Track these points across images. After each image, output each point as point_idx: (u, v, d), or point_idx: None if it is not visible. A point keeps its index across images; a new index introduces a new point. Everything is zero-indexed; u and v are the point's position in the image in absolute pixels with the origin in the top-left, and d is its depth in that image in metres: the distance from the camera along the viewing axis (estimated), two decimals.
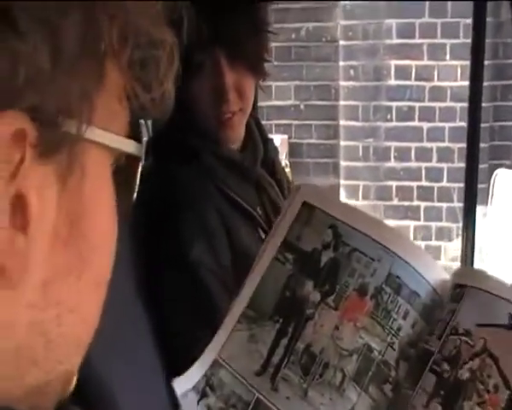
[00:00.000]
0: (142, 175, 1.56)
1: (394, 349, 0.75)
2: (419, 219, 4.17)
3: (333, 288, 0.78)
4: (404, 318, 0.76)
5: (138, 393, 0.79)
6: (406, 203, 4.18)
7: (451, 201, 4.12)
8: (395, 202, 4.17)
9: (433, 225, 4.18)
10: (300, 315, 0.78)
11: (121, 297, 1.31)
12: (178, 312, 1.17)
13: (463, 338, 0.72)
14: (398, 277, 0.77)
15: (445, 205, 4.16)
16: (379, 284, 0.77)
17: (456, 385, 0.70)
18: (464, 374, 0.70)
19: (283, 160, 4.07)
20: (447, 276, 0.79)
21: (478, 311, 0.72)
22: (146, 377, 0.84)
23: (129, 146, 0.45)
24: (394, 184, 4.24)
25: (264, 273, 0.82)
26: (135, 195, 0.48)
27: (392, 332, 0.75)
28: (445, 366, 0.71)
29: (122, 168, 0.47)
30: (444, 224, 4.16)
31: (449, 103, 4.11)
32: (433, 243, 4.11)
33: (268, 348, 0.78)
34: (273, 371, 0.76)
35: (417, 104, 4.17)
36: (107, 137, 0.42)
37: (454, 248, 3.76)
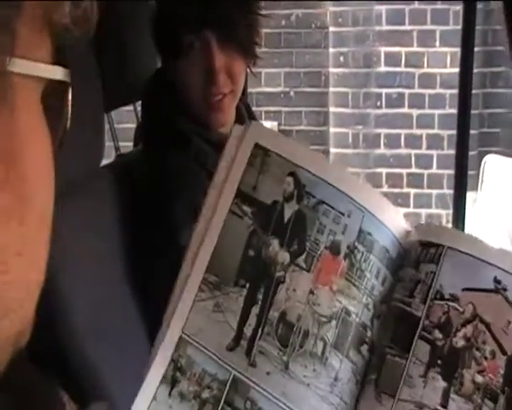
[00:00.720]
0: (132, 162, 1.55)
1: (369, 310, 0.72)
2: (409, 206, 4.18)
3: (302, 247, 0.72)
4: (377, 276, 0.73)
5: (127, 379, 0.76)
6: (396, 190, 4.18)
7: (441, 187, 4.12)
8: (385, 188, 4.17)
9: (423, 211, 4.19)
10: (269, 279, 0.72)
11: (110, 283, 1.32)
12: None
13: (451, 304, 0.70)
14: (369, 233, 0.72)
15: (434, 192, 4.17)
16: (351, 241, 0.72)
17: (453, 354, 0.69)
18: (459, 342, 0.69)
19: None
20: (408, 225, 0.76)
21: (461, 275, 0.71)
22: (135, 364, 0.81)
23: (56, 73, 0.42)
24: (384, 170, 4.23)
25: (221, 230, 0.73)
26: (68, 124, 0.45)
27: (367, 292, 0.72)
28: (438, 334, 0.70)
29: (52, 98, 0.44)
30: (434, 210, 4.16)
31: (438, 90, 4.11)
32: None
33: (237, 318, 0.72)
34: (247, 345, 0.71)
35: (407, 91, 4.17)
36: (32, 66, 0.40)
37: None
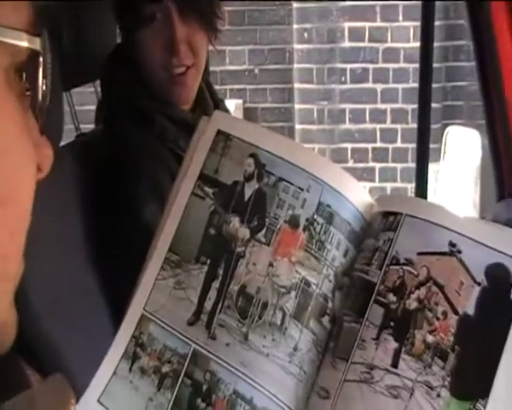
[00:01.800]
0: (93, 141, 1.53)
1: (330, 281, 0.73)
2: (374, 181, 4.20)
3: (262, 222, 0.74)
4: (337, 247, 0.74)
5: (91, 361, 0.76)
6: (361, 165, 4.20)
7: (406, 161, 4.15)
8: (350, 163, 4.19)
9: (389, 185, 4.21)
10: (230, 254, 0.73)
11: (72, 266, 1.31)
12: (132, 276, 1.16)
13: (406, 268, 0.71)
14: (328, 205, 0.74)
15: (399, 166, 4.19)
16: (310, 214, 0.73)
17: (405, 315, 0.70)
18: (412, 304, 0.70)
19: None
20: (371, 199, 0.77)
21: (417, 240, 0.72)
22: (99, 346, 0.81)
23: (22, 38, 0.42)
24: (349, 146, 4.25)
25: (183, 212, 0.76)
26: (40, 94, 0.44)
27: (328, 264, 0.73)
28: (392, 297, 0.71)
29: (23, 67, 0.43)
30: (399, 184, 4.19)
31: (402, 64, 4.12)
32: None
33: (198, 293, 0.73)
34: (207, 319, 0.72)
35: (371, 66, 4.18)
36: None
37: None
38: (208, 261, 0.75)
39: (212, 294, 0.73)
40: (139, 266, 0.98)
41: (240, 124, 0.81)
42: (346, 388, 0.70)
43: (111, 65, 1.49)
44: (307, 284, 0.73)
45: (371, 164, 4.24)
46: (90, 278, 1.33)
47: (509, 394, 0.64)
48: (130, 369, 0.73)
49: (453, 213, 0.73)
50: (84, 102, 2.00)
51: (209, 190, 0.77)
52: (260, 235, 0.74)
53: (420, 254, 0.71)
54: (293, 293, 0.72)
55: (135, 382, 0.72)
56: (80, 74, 1.51)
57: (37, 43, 0.43)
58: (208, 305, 0.73)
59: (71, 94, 1.63)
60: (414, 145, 2.12)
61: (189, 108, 1.51)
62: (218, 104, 1.58)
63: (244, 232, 0.75)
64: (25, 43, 0.43)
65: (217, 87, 1.73)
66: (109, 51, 1.51)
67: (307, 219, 0.74)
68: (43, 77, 0.45)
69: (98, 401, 0.72)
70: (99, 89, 1.60)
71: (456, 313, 0.68)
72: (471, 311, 0.68)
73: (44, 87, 0.46)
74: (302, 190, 0.74)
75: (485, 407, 0.64)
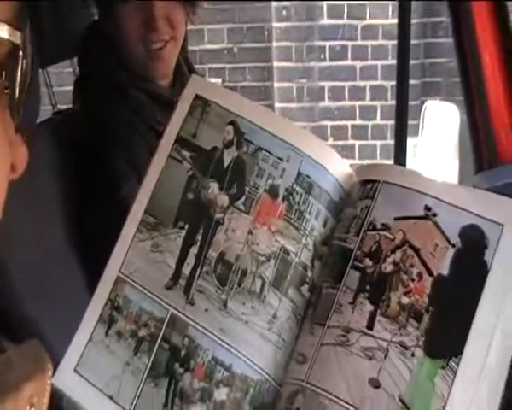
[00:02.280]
0: (70, 118, 1.52)
1: (309, 250, 0.73)
2: (354, 158, 4.21)
3: (241, 190, 0.74)
4: (317, 217, 0.74)
5: (72, 334, 0.76)
6: (341, 142, 4.21)
7: (385, 138, 4.16)
8: (330, 141, 4.19)
9: (368, 162, 4.22)
10: (208, 220, 0.73)
11: (51, 243, 1.30)
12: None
13: (382, 233, 0.72)
14: (308, 176, 0.74)
15: (379, 142, 4.21)
16: (289, 184, 0.74)
17: (381, 278, 0.70)
18: (388, 267, 0.71)
19: None
20: (350, 170, 0.77)
21: (393, 205, 0.72)
22: (78, 321, 0.81)
23: (2, 30, 0.41)
24: (329, 123, 4.25)
25: (159, 174, 0.75)
26: (18, 91, 0.44)
27: (307, 233, 0.73)
28: (368, 262, 0.71)
29: (3, 64, 0.43)
30: (378, 161, 4.20)
31: (381, 41, 4.13)
32: None
33: (176, 258, 0.73)
34: (186, 284, 0.72)
35: (350, 43, 4.18)
36: None
37: None
38: (186, 226, 0.74)
39: (191, 259, 0.73)
40: (117, 238, 0.97)
41: (219, 90, 0.80)
42: (322, 351, 0.70)
43: (88, 41, 1.48)
44: (286, 252, 0.73)
45: (351, 141, 4.25)
46: (70, 253, 1.33)
47: (482, 352, 0.65)
48: (107, 333, 0.72)
49: (429, 178, 0.73)
50: (62, 82, 1.99)
51: (187, 154, 0.76)
52: (239, 203, 0.74)
53: (396, 219, 0.72)
54: (272, 261, 0.73)
55: (111, 346, 0.72)
56: (57, 51, 1.50)
57: (17, 37, 0.43)
58: (186, 270, 0.73)
59: (49, 74, 1.62)
60: (393, 122, 2.13)
61: (168, 84, 1.51)
62: None
63: (223, 199, 0.74)
64: (5, 35, 0.42)
65: (196, 66, 1.72)
66: (86, 27, 1.50)
67: (286, 189, 0.74)
68: (22, 74, 0.45)
69: (74, 370, 0.72)
70: (78, 69, 1.59)
71: (430, 274, 0.69)
72: (445, 272, 0.69)
73: (22, 85, 0.45)
74: (282, 160, 0.74)
75: (458, 364, 0.65)
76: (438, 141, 2.07)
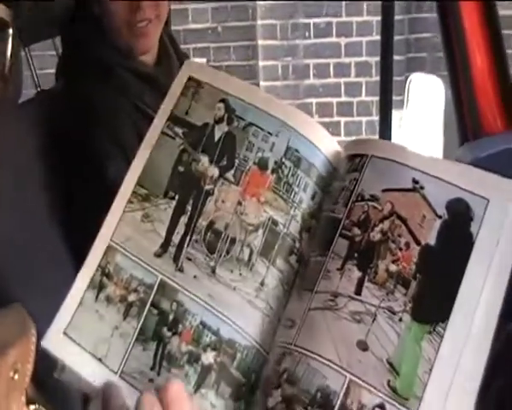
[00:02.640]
0: (53, 97, 1.50)
1: (297, 221, 0.75)
2: (340, 135, 4.22)
3: (231, 162, 0.76)
4: (305, 190, 0.76)
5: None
6: (327, 119, 4.21)
7: (370, 114, 4.17)
8: (315, 118, 4.19)
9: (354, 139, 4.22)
10: (198, 191, 0.75)
11: (35, 225, 1.29)
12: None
13: (370, 203, 0.73)
14: (296, 150, 0.76)
15: (364, 119, 4.21)
16: (278, 158, 0.76)
17: (369, 247, 0.72)
18: (376, 236, 0.72)
19: None
20: (338, 147, 0.79)
21: (382, 178, 0.74)
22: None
23: None
24: (314, 100, 4.25)
25: (152, 149, 0.78)
26: (8, 64, 0.44)
27: (295, 205, 0.75)
28: (356, 231, 0.73)
29: None
30: (364, 138, 4.21)
31: (365, 17, 4.12)
32: None
33: (166, 226, 0.75)
34: (175, 252, 0.74)
35: (334, 20, 4.17)
36: None
37: None
38: (176, 197, 0.76)
39: (180, 228, 0.75)
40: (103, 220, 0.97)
41: (211, 71, 0.82)
42: (310, 315, 0.71)
43: (71, 20, 1.47)
44: (275, 223, 0.75)
45: (336, 118, 4.25)
46: (56, 232, 1.32)
47: (468, 318, 0.67)
48: (96, 298, 0.73)
49: (417, 153, 0.75)
50: (45, 65, 1.98)
51: (179, 130, 0.78)
52: (229, 174, 0.76)
53: (384, 190, 0.73)
54: (260, 231, 0.74)
55: (100, 311, 0.73)
56: (38, 29, 1.49)
57: (7, 13, 0.42)
58: (176, 239, 0.74)
59: (32, 57, 1.61)
60: (378, 98, 2.13)
61: (153, 62, 1.50)
62: (182, 59, 1.57)
63: (213, 171, 0.76)
64: None
65: (180, 46, 1.72)
66: (69, 6, 1.49)
67: (275, 162, 0.76)
68: (13, 51, 0.45)
69: (64, 333, 0.72)
70: (60, 51, 1.58)
71: (418, 243, 0.71)
72: (433, 242, 0.70)
73: (12, 61, 0.45)
74: (271, 134, 0.76)
75: (444, 329, 0.67)
76: (423, 113, 2.08)
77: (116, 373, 0.71)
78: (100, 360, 0.71)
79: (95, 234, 0.76)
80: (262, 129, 0.77)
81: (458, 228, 0.71)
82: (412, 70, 3.89)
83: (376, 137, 3.70)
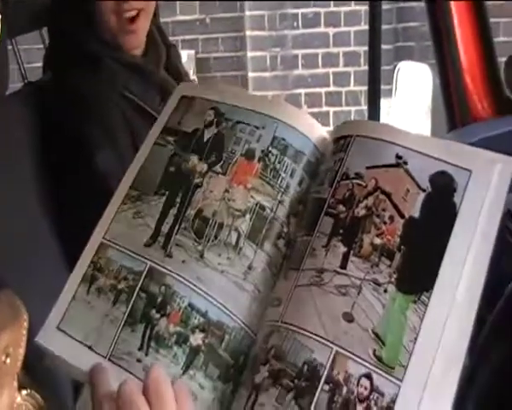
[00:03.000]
0: (42, 88, 1.48)
1: (285, 206, 0.77)
2: (329, 125, 4.22)
3: (219, 157, 0.78)
4: (292, 176, 0.78)
5: (45, 307, 0.77)
6: (316, 110, 4.21)
7: (359, 104, 4.17)
8: (305, 108, 4.19)
9: None
10: (188, 185, 0.78)
11: (22, 213, 1.29)
12: (87, 223, 1.16)
13: (355, 181, 0.74)
14: (283, 138, 0.78)
15: (353, 108, 4.22)
16: (265, 147, 0.78)
17: (354, 222, 0.73)
18: (360, 212, 0.73)
19: (191, 76, 4.02)
20: (324, 132, 0.82)
21: (366, 156, 0.75)
22: (52, 291, 0.82)
23: None
24: (303, 91, 4.25)
25: (145, 159, 0.82)
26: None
27: (282, 190, 0.77)
28: (341, 208, 0.74)
29: None
30: (349, 120, 4.20)
31: (354, 7, 4.12)
32: None
33: (156, 219, 0.77)
34: (164, 240, 0.75)
35: (322, 10, 4.17)
36: None
37: None
38: (167, 193, 0.78)
39: (170, 219, 0.76)
40: (93, 210, 0.99)
41: (202, 87, 0.88)
42: (296, 292, 0.72)
43: (58, 10, 1.47)
44: (262, 208, 0.76)
45: (325, 108, 4.25)
46: (44, 223, 1.32)
47: (451, 287, 0.68)
48: (88, 291, 0.75)
49: (400, 129, 0.76)
50: (32, 59, 1.97)
51: (170, 139, 0.82)
52: (217, 167, 0.78)
53: (369, 168, 0.75)
54: (247, 216, 0.76)
55: (92, 302, 0.74)
56: (26, 20, 1.48)
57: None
58: (165, 228, 0.76)
59: (19, 50, 1.60)
60: (367, 88, 2.14)
61: (141, 52, 1.50)
62: (170, 49, 1.57)
63: (202, 166, 0.79)
64: None
65: (168, 38, 1.71)
66: None
67: (262, 151, 0.78)
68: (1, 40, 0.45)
69: (57, 327, 0.74)
70: (47, 42, 1.57)
71: (402, 216, 0.72)
72: (416, 214, 0.72)
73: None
74: (258, 128, 0.79)
75: (429, 298, 0.68)
76: (411, 101, 2.09)
77: (105, 357, 0.72)
78: (90, 347, 0.72)
79: (84, 225, 0.78)
80: (248, 124, 0.79)
81: (442, 200, 0.72)
82: (400, 59, 3.89)
83: None
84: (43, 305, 0.76)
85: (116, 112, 1.38)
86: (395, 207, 0.72)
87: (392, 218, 0.72)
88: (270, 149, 0.78)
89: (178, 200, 0.77)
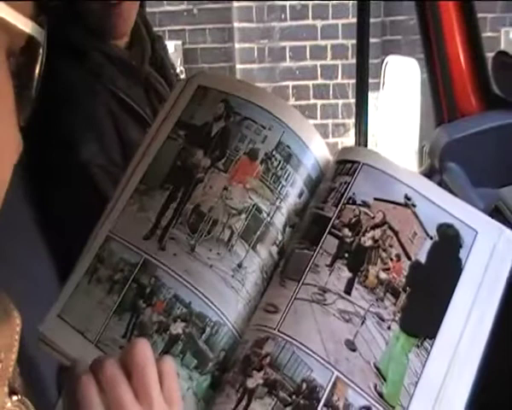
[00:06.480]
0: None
1: (282, 214, 0.78)
2: (316, 118, 4.22)
3: (223, 153, 0.79)
4: (292, 186, 0.79)
5: (35, 304, 0.76)
6: (303, 102, 4.21)
7: (347, 97, 4.17)
8: (292, 101, 4.19)
9: (330, 122, 4.24)
10: (190, 180, 0.79)
11: (9, 208, 1.27)
12: (73, 215, 1.15)
13: (362, 208, 0.75)
14: (288, 146, 0.79)
15: (340, 101, 4.22)
16: (269, 150, 0.79)
17: (360, 250, 0.73)
18: (367, 241, 0.74)
19: (178, 67, 4.01)
20: (328, 154, 0.82)
21: (374, 186, 0.76)
22: (42, 287, 0.82)
23: (27, 25, 0.41)
24: (290, 83, 4.25)
25: (157, 152, 0.83)
26: (35, 85, 0.43)
27: (281, 197, 0.78)
28: (347, 232, 0.74)
29: (21, 53, 0.42)
30: (340, 120, 4.22)
31: (342, 0, 4.12)
32: (331, 140, 4.19)
33: (157, 213, 0.79)
34: (161, 233, 0.77)
35: (310, 2, 4.16)
36: (3, 9, 0.39)
37: (350, 143, 3.84)
38: (171, 187, 0.80)
39: (169, 213, 0.78)
40: (78, 202, 0.99)
41: (218, 77, 0.89)
42: (296, 304, 0.72)
43: (43, 2, 1.45)
44: (258, 210, 0.77)
45: (312, 101, 4.25)
46: (29, 217, 1.31)
47: (454, 340, 0.69)
48: (89, 281, 0.77)
49: (410, 171, 0.78)
50: None
51: (182, 133, 0.83)
52: (220, 163, 0.79)
53: (376, 199, 0.75)
54: (243, 215, 0.77)
55: (91, 291, 0.76)
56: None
57: (37, 32, 0.42)
58: (164, 222, 0.78)
59: None
60: (354, 81, 2.14)
61: (126, 45, 1.48)
62: (155, 41, 1.55)
63: (205, 161, 0.80)
64: (29, 31, 0.42)
65: (155, 29, 1.69)
66: None
67: (266, 154, 0.79)
68: (40, 70, 0.44)
69: (58, 315, 0.76)
70: None
71: (409, 258, 0.73)
72: (423, 260, 0.73)
73: (38, 80, 0.45)
74: (264, 128, 0.80)
75: (431, 346, 0.69)
76: (399, 95, 2.09)
77: (93, 343, 0.73)
78: (82, 333, 0.74)
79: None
80: (256, 122, 0.80)
81: (448, 252, 0.73)
82: (388, 52, 3.90)
83: (352, 120, 3.71)
84: (35, 309, 0.76)
85: (101, 104, 1.37)
86: (402, 246, 0.73)
87: (398, 256, 0.73)
88: (273, 153, 0.79)
89: (180, 194, 0.79)
